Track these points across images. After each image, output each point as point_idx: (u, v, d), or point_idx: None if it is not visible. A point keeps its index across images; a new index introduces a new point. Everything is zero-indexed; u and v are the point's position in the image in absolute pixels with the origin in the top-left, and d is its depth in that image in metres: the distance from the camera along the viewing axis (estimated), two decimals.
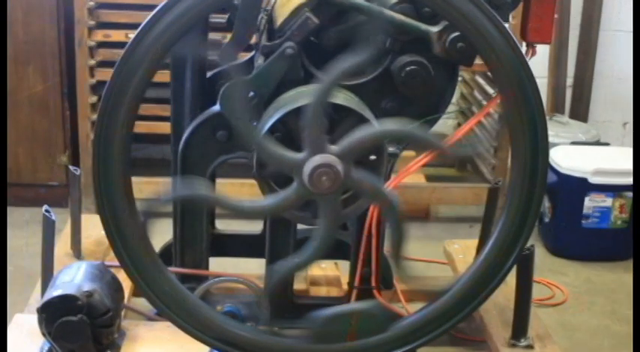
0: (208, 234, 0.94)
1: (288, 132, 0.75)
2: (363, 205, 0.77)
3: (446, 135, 0.82)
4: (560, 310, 1.31)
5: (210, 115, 0.86)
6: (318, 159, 0.70)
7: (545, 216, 1.52)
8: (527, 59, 0.74)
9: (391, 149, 0.80)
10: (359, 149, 0.71)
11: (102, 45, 1.47)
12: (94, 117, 1.43)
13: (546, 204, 1.51)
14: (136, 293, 0.97)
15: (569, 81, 1.88)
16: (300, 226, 0.87)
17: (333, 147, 0.71)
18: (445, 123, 1.74)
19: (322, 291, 1.08)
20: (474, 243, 1.18)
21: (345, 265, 0.98)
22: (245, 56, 0.92)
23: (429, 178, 1.72)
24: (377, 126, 0.73)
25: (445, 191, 1.66)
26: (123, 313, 0.92)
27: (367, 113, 0.77)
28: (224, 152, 0.86)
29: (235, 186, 1.48)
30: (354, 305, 0.83)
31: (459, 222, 1.65)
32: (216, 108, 0.85)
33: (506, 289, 0.99)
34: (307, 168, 0.70)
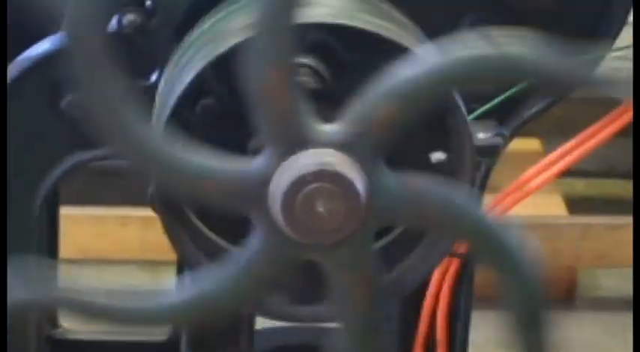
0: (42, 339, 0.95)
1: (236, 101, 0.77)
2: (433, 258, 0.80)
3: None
4: None
5: (40, 59, 0.87)
6: (297, 164, 0.70)
7: None
8: None
9: (482, 135, 0.82)
10: (391, 122, 0.71)
11: None
12: None
13: None
14: None
15: None
16: (265, 321, 0.89)
17: (329, 129, 0.71)
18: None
19: None
20: None
21: None
22: None
23: (576, 205, 1.74)
24: (427, 56, 0.74)
25: (614, 235, 1.67)
26: None
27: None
28: (78, 144, 0.87)
29: (110, 222, 1.53)
30: None
31: None
32: (56, 41, 0.86)
33: None
34: (277, 190, 0.70)
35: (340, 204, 0.69)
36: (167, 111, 0.77)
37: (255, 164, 0.71)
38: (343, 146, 0.70)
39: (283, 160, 0.70)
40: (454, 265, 0.89)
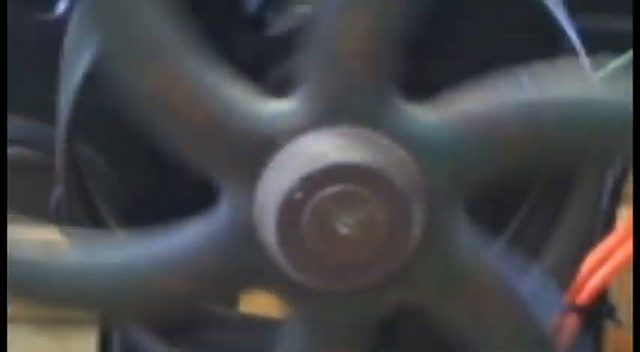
0: None
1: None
2: None
3: None
4: None
5: None
6: (345, 142, 0.71)
7: None
8: None
9: None
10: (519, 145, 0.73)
11: None
12: None
13: None
14: None
15: None
16: None
17: (287, 106, 0.74)
18: None
19: None
20: None
21: None
22: None
23: None
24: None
25: None
26: None
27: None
28: None
29: None
30: None
31: None
32: None
33: None
34: (293, 170, 0.70)
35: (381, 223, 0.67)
36: (79, 74, 0.79)
37: (273, 109, 0.70)
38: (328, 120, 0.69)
39: (317, 122, 0.69)
40: (572, 322, 0.86)
